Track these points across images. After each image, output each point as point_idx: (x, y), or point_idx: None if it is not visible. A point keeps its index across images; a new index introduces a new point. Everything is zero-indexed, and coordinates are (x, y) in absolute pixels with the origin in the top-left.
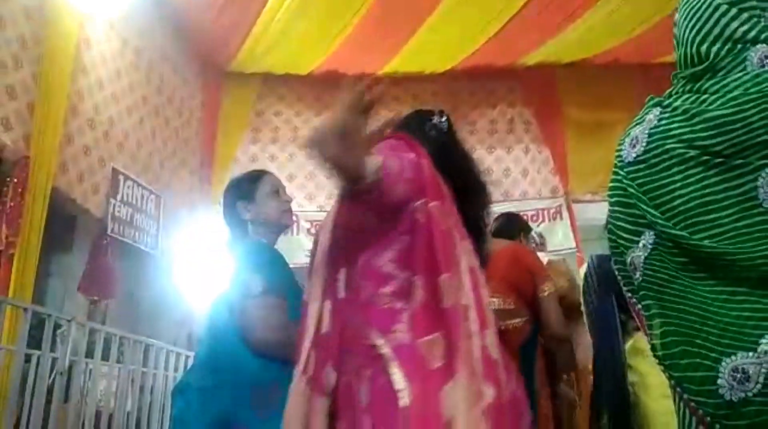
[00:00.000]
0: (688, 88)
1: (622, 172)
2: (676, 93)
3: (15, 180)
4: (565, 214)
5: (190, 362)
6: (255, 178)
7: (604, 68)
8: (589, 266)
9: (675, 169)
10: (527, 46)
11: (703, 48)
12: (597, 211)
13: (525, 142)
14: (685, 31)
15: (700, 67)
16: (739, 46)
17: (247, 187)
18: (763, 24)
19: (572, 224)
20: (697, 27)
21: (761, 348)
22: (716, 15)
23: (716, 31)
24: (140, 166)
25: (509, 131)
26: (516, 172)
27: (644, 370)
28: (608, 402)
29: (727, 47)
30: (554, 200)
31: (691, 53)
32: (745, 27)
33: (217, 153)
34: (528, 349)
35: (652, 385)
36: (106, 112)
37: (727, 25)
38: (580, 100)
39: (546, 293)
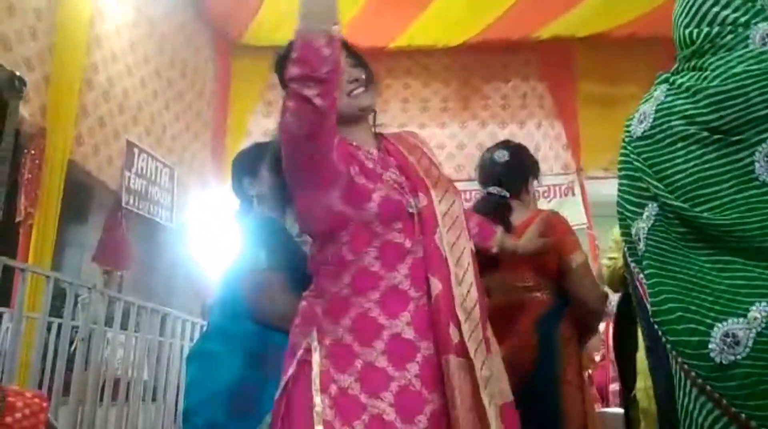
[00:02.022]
0: (691, 64)
1: (629, 147)
2: (682, 70)
3: (32, 152)
4: (577, 190)
5: None
6: (259, 154)
7: (620, 42)
8: None
9: (678, 145)
10: (542, 19)
11: (688, 31)
12: (609, 188)
13: (538, 117)
14: (676, 15)
15: (688, 50)
16: (729, 28)
17: (252, 163)
18: (758, 8)
19: (584, 200)
20: (684, 12)
21: (751, 314)
22: (699, 1)
23: (699, 15)
24: (154, 138)
25: (522, 106)
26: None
27: None
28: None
29: (715, 30)
30: (566, 176)
31: (682, 35)
32: (738, 13)
33: (229, 126)
34: (547, 321)
35: None
36: (120, 84)
37: (709, 9)
38: (595, 74)
39: (575, 264)
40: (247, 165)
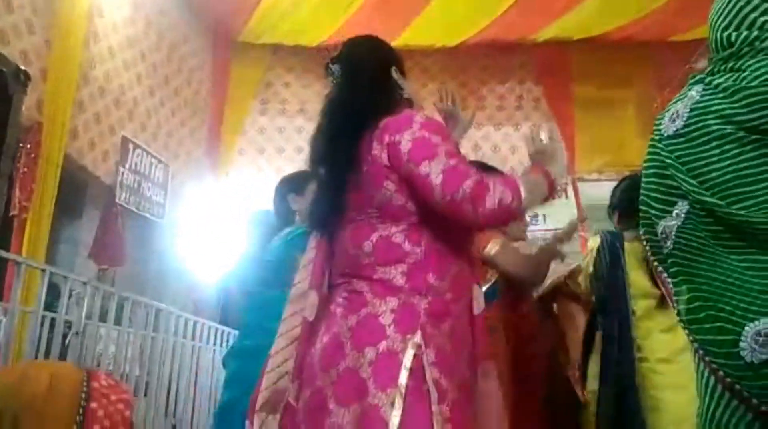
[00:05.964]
0: (728, 66)
1: (660, 145)
2: (718, 71)
3: (28, 146)
4: (571, 192)
5: (198, 328)
6: (307, 176)
7: (616, 46)
8: (603, 241)
9: (713, 144)
10: (539, 21)
11: (726, 34)
12: (603, 191)
13: (533, 119)
14: (712, 18)
15: (726, 52)
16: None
17: (299, 183)
18: None
19: (577, 203)
20: (721, 15)
21: None
22: (739, 4)
23: (737, 19)
24: (149, 134)
25: (518, 108)
26: (523, 149)
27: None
28: (614, 379)
29: (754, 34)
30: None
31: (719, 38)
32: None
33: (225, 123)
34: None
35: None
36: (117, 80)
37: (748, 14)
38: (591, 77)
39: (493, 253)
40: (295, 183)
